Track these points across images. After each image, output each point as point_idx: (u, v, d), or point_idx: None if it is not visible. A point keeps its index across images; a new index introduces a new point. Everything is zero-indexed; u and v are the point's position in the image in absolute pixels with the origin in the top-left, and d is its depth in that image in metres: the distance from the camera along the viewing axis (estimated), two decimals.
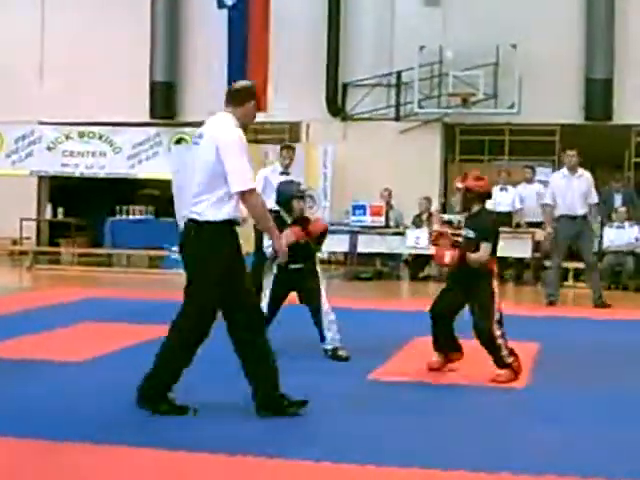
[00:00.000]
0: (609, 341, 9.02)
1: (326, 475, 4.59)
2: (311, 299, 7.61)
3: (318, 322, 7.58)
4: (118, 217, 18.55)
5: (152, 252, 17.59)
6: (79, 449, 4.90)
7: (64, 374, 6.95)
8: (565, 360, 7.84)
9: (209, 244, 5.47)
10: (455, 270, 7.11)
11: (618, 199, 15.47)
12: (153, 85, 18.89)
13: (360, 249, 14.74)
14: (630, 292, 14.19)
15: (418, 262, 15.81)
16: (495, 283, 6.92)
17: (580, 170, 11.86)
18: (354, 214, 15.34)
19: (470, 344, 8.62)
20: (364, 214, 15.15)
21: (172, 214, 17.95)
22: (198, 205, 5.46)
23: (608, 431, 5.47)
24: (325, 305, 7.57)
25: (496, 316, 6.82)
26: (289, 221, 7.63)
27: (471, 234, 6.96)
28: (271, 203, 10.01)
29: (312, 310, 7.62)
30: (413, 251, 15.43)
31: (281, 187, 7.96)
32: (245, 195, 5.40)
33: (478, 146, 18.44)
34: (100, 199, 19.41)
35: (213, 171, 5.41)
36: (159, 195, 19.70)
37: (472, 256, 6.84)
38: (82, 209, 19.69)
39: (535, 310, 11.78)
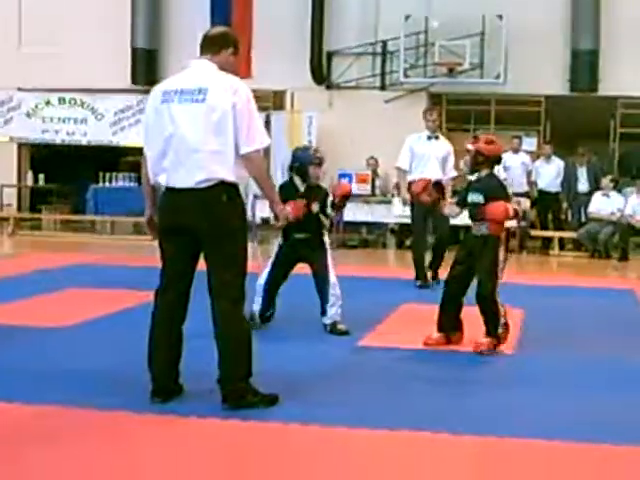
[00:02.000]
0: (590, 307, 9.10)
1: (314, 437, 4.58)
2: (318, 272, 7.39)
3: (323, 295, 7.35)
4: (101, 184, 18.41)
5: (136, 219, 17.49)
6: (61, 412, 4.88)
7: (50, 339, 6.91)
8: (549, 326, 7.88)
9: (242, 209, 5.11)
10: (464, 241, 7.04)
11: (582, 173, 15.48)
12: (135, 52, 18.68)
13: (346, 217, 14.69)
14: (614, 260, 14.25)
15: (404, 231, 15.80)
16: (502, 251, 6.78)
17: None
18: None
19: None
20: (350, 182, 15.09)
21: None
22: (218, 165, 4.87)
23: (594, 395, 5.50)
24: (332, 279, 7.34)
25: (498, 282, 6.75)
26: (302, 189, 7.41)
27: (480, 198, 6.81)
28: (427, 173, 9.93)
29: (318, 282, 7.39)
30: (399, 220, 15.41)
31: (296, 153, 7.62)
32: (253, 154, 4.94)
33: (464, 116, 18.39)
34: (82, 166, 19.28)
35: (232, 128, 4.85)
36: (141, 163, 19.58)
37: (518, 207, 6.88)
38: (64, 176, 19.54)
39: (520, 278, 11.80)
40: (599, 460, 4.33)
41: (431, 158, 10.48)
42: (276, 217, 5.62)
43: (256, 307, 7.39)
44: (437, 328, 6.98)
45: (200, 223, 4.94)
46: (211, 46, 5.12)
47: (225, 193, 4.92)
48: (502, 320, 6.73)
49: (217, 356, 5.03)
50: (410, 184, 10.15)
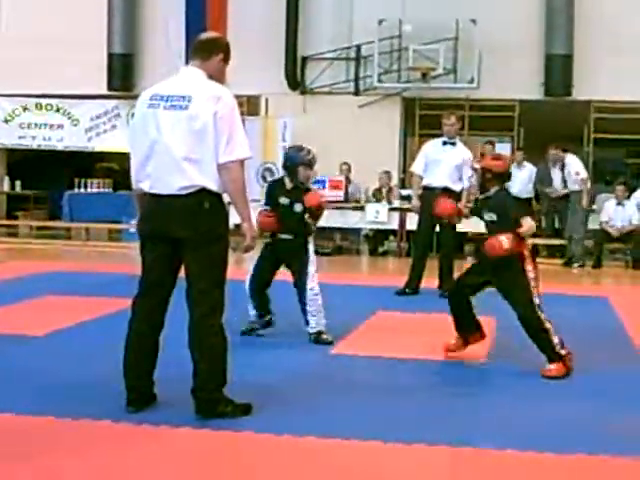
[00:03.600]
0: (565, 315, 9.04)
1: (286, 447, 4.59)
2: (297, 280, 7.27)
3: (302, 305, 7.23)
4: (76, 190, 18.36)
5: (111, 225, 17.48)
6: (32, 422, 4.87)
7: (23, 348, 6.89)
8: (522, 335, 7.82)
9: (224, 218, 5.05)
10: (483, 259, 6.78)
11: (557, 175, 15.50)
12: (111, 57, 18.64)
13: (320, 223, 14.65)
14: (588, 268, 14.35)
15: (378, 237, 15.87)
16: (530, 266, 6.52)
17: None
18: None
19: (434, 316, 8.71)
20: (323, 188, 15.14)
21: (130, 187, 17.85)
22: (200, 173, 4.85)
23: (567, 405, 5.53)
24: (311, 289, 7.17)
25: (536, 301, 6.45)
26: (288, 187, 7.41)
27: (494, 217, 6.66)
28: (435, 180, 9.98)
29: (297, 291, 7.29)
30: (373, 226, 15.48)
31: (288, 152, 7.63)
32: (230, 165, 4.86)
33: (438, 121, 18.37)
34: (58, 172, 19.25)
35: (212, 137, 4.83)
36: (117, 168, 19.55)
37: (521, 230, 6.51)
38: (40, 182, 19.47)
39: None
40: (572, 471, 4.35)
41: (441, 165, 10.18)
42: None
43: (252, 313, 7.43)
44: (455, 330, 6.84)
45: (180, 230, 4.91)
46: (201, 52, 5.10)
47: (207, 201, 4.88)
48: (556, 340, 6.42)
49: (192, 366, 5.03)
50: (425, 189, 10.13)
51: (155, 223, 5.02)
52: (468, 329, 6.84)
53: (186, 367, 5.05)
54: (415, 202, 10.43)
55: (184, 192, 4.87)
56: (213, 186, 4.89)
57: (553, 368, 6.35)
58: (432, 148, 10.43)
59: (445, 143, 10.37)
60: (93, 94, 18.42)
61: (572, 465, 4.41)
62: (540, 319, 6.42)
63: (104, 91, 18.54)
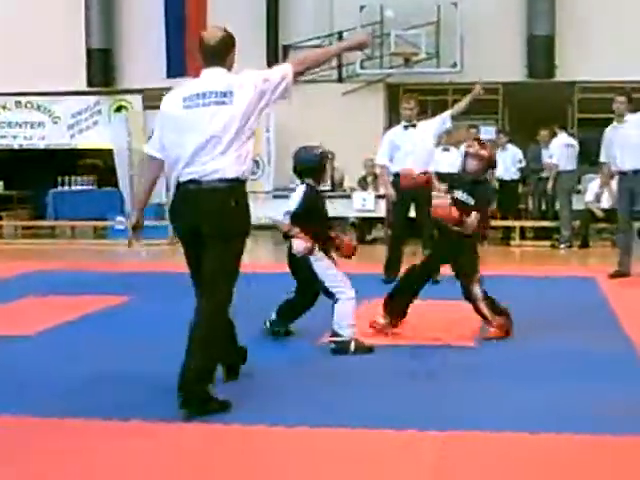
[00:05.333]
0: (553, 296, 9.15)
1: (278, 439, 4.55)
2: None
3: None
4: (60, 188, 18.24)
5: (96, 223, 17.38)
6: (29, 423, 4.81)
7: (9, 348, 6.83)
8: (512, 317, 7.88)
9: (247, 207, 5.18)
10: (440, 235, 7.29)
11: (547, 153, 15.50)
12: (90, 52, 18.51)
13: None
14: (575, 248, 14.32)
15: (365, 225, 15.80)
16: (478, 246, 7.13)
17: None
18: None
19: (420, 303, 8.66)
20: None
21: (114, 184, 17.76)
22: (231, 164, 5.03)
23: (559, 386, 5.50)
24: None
25: (476, 277, 7.02)
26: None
27: (470, 200, 7.00)
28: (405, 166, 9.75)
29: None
30: (360, 214, 15.41)
31: (306, 154, 6.98)
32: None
33: (421, 106, 18.31)
34: (41, 170, 19.11)
35: (250, 125, 5.08)
36: (101, 165, 19.45)
37: (468, 221, 6.91)
38: (23, 181, 19.38)
39: (482, 269, 11.81)
40: (563, 450, 4.33)
41: (408, 148, 10.09)
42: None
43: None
44: (384, 310, 7.15)
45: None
46: (218, 56, 5.19)
47: (236, 192, 5.05)
48: (487, 312, 6.98)
49: (183, 360, 4.96)
50: (396, 176, 9.99)
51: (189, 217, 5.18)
52: (399, 313, 7.17)
53: (166, 367, 5.00)
54: (390, 190, 10.23)
55: (218, 185, 5.03)
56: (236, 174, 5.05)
57: (491, 331, 6.99)
58: (395, 135, 10.30)
59: (406, 127, 10.27)
60: (73, 90, 18.29)
61: (563, 445, 4.39)
62: (473, 292, 7.03)
63: (84, 87, 18.43)
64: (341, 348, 6.54)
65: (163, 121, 5.26)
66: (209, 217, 5.03)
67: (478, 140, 7.27)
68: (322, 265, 6.72)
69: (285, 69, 5.22)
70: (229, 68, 5.24)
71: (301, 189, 6.79)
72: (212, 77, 5.16)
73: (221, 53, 5.19)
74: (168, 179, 5.53)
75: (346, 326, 6.59)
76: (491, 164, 7.16)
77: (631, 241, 10.74)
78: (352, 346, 6.54)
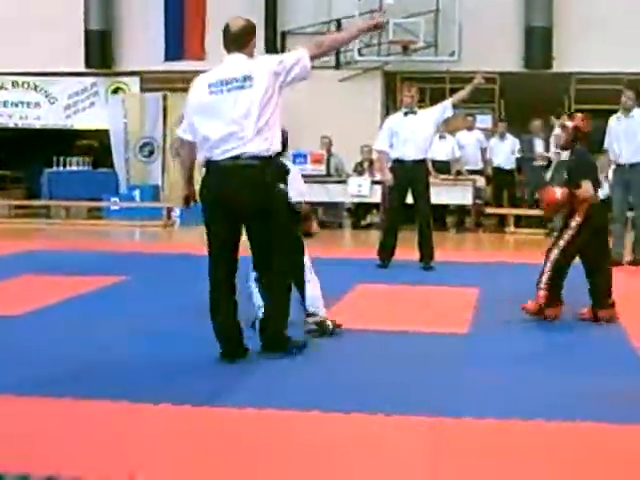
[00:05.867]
0: None
1: (268, 423, 4.54)
2: None
3: None
4: (55, 169, 18.21)
5: (91, 203, 17.37)
6: (15, 402, 4.81)
7: (2, 328, 6.82)
8: (504, 305, 7.88)
9: (274, 179, 5.68)
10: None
11: (539, 145, 15.51)
12: (88, 34, 18.45)
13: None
14: None
15: (360, 210, 15.83)
16: (577, 219, 7.01)
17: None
18: (295, 162, 15.18)
19: (414, 289, 8.70)
20: (305, 162, 15.06)
21: (110, 165, 17.76)
22: (258, 143, 5.47)
23: (551, 375, 5.50)
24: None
25: (560, 243, 7.10)
26: None
27: (565, 175, 7.21)
28: (405, 153, 9.98)
29: None
30: (355, 199, 15.43)
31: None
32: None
33: (419, 94, 18.35)
34: (36, 150, 19.06)
35: (273, 106, 5.51)
36: (96, 146, 19.43)
37: (578, 192, 6.97)
38: (18, 161, 19.33)
39: (476, 257, 11.87)
40: (553, 437, 4.33)
41: (408, 136, 10.13)
42: None
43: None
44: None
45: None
46: (239, 43, 5.65)
47: (268, 169, 5.53)
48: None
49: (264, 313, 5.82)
50: (395, 162, 10.10)
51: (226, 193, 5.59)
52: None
53: (160, 348, 4.98)
54: (387, 175, 10.30)
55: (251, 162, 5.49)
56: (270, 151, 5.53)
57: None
58: (394, 122, 10.33)
59: (406, 114, 10.30)
60: (71, 71, 18.25)
61: (555, 432, 4.40)
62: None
63: (82, 68, 18.38)
64: (319, 327, 6.59)
65: (191, 107, 5.68)
66: (245, 193, 5.46)
67: (572, 114, 7.38)
68: None
69: (300, 52, 5.65)
70: (249, 54, 5.66)
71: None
72: (234, 63, 5.60)
73: (242, 40, 5.64)
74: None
75: (321, 306, 6.66)
76: (579, 133, 7.12)
77: (624, 231, 10.80)
78: (329, 325, 6.60)
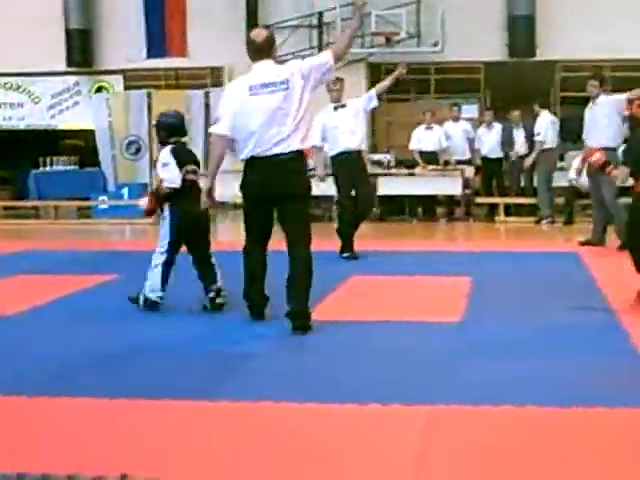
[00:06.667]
0: (538, 272, 9.15)
1: (265, 414, 4.53)
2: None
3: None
4: (42, 169, 18.12)
5: (80, 203, 17.29)
6: (6, 401, 4.78)
7: None
8: (497, 293, 7.92)
9: (307, 170, 6.64)
10: None
11: (519, 135, 15.51)
12: (69, 33, 18.36)
13: None
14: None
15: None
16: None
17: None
18: None
19: (408, 279, 8.70)
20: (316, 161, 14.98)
21: (97, 164, 17.68)
22: (296, 139, 6.23)
23: (545, 361, 5.50)
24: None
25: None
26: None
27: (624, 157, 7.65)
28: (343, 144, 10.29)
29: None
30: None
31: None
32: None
33: (403, 85, 18.34)
34: (22, 151, 18.97)
35: (306, 104, 6.25)
36: (82, 145, 19.34)
37: (612, 170, 7.31)
38: (3, 162, 19.22)
39: (467, 246, 11.88)
40: (551, 423, 4.33)
41: (345, 128, 10.37)
42: None
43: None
44: None
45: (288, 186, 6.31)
46: (267, 52, 6.37)
47: (304, 161, 6.46)
48: None
49: (291, 290, 6.34)
50: (338, 155, 10.33)
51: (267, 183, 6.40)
52: None
53: (150, 345, 4.93)
54: (321, 171, 10.78)
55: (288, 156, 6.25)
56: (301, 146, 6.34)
57: None
58: (326, 117, 10.46)
59: (336, 108, 10.54)
60: (52, 71, 18.17)
61: (548, 418, 4.40)
62: None
63: (63, 67, 18.30)
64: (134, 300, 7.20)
65: (232, 106, 6.34)
66: (289, 181, 6.29)
67: (631, 102, 7.51)
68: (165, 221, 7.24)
69: (325, 55, 6.43)
70: (274, 59, 6.41)
71: (167, 150, 7.18)
72: (267, 69, 6.32)
73: (268, 49, 6.38)
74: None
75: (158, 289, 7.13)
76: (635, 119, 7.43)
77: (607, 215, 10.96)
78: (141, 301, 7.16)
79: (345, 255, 10.22)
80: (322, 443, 4.11)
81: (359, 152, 10.51)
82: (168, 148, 7.19)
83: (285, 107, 6.19)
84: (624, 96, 10.54)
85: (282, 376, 5.26)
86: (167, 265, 7.15)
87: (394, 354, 5.78)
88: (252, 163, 6.33)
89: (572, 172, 14.23)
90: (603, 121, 10.71)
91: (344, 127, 10.35)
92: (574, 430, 4.23)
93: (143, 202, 7.43)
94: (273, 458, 3.92)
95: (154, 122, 7.58)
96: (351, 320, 6.86)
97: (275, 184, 6.28)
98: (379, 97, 10.68)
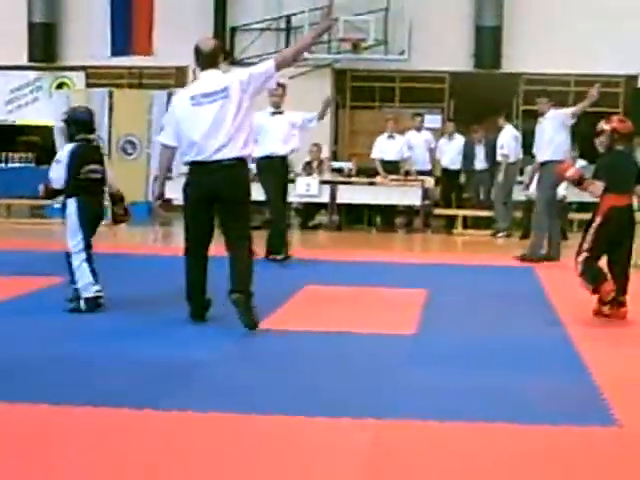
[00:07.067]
0: (493, 286, 9.14)
1: (213, 424, 4.44)
2: None
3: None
4: None
5: (33, 201, 16.98)
6: None
7: None
8: (451, 306, 7.89)
9: (248, 176, 6.83)
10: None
11: (480, 151, 15.50)
12: (31, 26, 18.09)
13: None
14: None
15: (309, 210, 15.69)
16: (597, 221, 7.20)
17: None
18: None
19: (361, 289, 8.63)
20: (251, 162, 14.85)
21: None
22: (235, 146, 6.49)
23: (497, 374, 5.46)
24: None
25: (584, 246, 7.19)
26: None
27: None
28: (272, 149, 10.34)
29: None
30: (304, 199, 15.29)
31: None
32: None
33: (369, 93, 18.35)
34: None
35: (245, 112, 6.52)
36: (40, 142, 19.05)
37: (588, 185, 7.31)
38: None
39: (425, 257, 11.83)
40: (501, 439, 4.29)
41: (276, 134, 10.43)
42: None
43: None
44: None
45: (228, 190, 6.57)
46: (212, 61, 6.64)
47: (244, 168, 6.66)
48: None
49: (233, 277, 6.52)
50: (263, 159, 10.29)
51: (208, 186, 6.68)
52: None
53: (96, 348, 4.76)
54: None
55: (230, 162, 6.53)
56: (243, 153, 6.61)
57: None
58: (262, 121, 10.28)
59: (274, 114, 10.62)
60: (13, 65, 17.91)
61: (498, 433, 4.36)
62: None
63: (24, 62, 18.04)
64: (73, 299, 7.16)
65: (176, 117, 6.67)
66: (228, 186, 6.55)
67: (609, 118, 7.52)
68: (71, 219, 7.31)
69: (267, 63, 6.65)
70: (219, 67, 6.71)
71: (68, 148, 7.23)
72: (211, 78, 6.58)
73: (215, 58, 6.68)
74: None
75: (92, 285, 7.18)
76: (616, 135, 7.29)
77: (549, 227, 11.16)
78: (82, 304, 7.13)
79: (280, 257, 10.24)
80: (268, 455, 4.03)
81: (284, 158, 10.58)
82: (69, 147, 7.24)
83: (223, 115, 6.45)
84: (570, 110, 11.07)
85: (228, 386, 5.18)
86: (89, 261, 7.22)
87: (344, 365, 5.74)
88: (194, 168, 6.65)
89: (531, 186, 14.22)
90: (549, 135, 10.98)
91: (276, 133, 10.41)
92: (522, 447, 4.18)
93: (41, 188, 7.53)
94: (216, 468, 3.85)
95: (63, 117, 7.53)
96: (303, 330, 6.79)
97: (215, 189, 6.54)
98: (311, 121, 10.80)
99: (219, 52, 6.79)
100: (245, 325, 6.47)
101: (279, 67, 6.59)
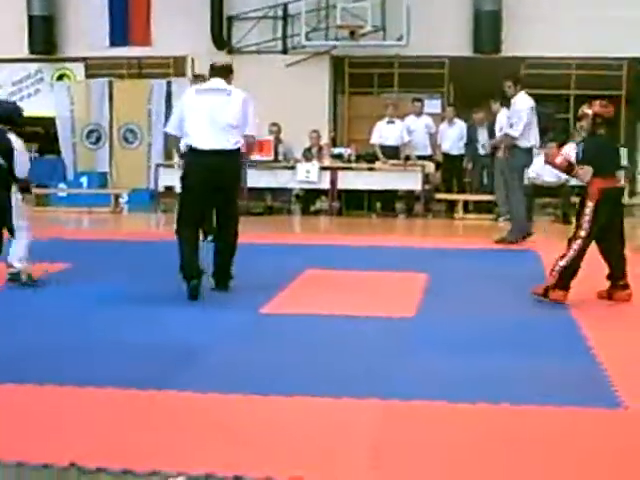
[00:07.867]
0: (495, 269, 9.16)
1: (215, 405, 4.49)
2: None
3: None
4: None
5: (38, 190, 17.06)
6: None
7: None
8: (451, 290, 7.91)
9: (241, 165, 7.82)
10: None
11: (484, 135, 15.46)
12: (31, 19, 18.11)
13: (250, 184, 14.53)
14: None
15: (309, 196, 15.75)
16: (590, 205, 7.15)
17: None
18: None
19: (362, 274, 8.68)
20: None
21: (56, 152, 17.49)
22: (232, 138, 7.28)
23: (499, 357, 5.50)
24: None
25: (581, 233, 7.16)
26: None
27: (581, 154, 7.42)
28: None
29: None
30: (304, 185, 15.35)
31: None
32: (251, 138, 7.61)
33: (367, 79, 18.35)
34: None
35: (241, 116, 7.32)
36: (43, 133, 19.10)
37: (578, 170, 7.31)
38: None
39: (425, 242, 11.87)
40: (500, 420, 4.34)
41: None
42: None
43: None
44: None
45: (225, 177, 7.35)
46: (222, 73, 7.53)
47: (240, 157, 7.51)
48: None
49: (216, 260, 7.45)
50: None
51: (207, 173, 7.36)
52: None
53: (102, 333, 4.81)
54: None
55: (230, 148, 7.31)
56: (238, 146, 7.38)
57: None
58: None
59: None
60: (14, 58, 17.94)
61: (500, 415, 4.40)
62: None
63: (25, 54, 18.07)
64: (13, 278, 7.73)
65: (181, 107, 7.49)
66: (226, 173, 7.31)
67: (590, 102, 7.49)
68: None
69: (253, 132, 7.58)
70: (228, 82, 7.50)
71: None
72: (218, 82, 7.45)
73: (223, 71, 7.55)
74: None
75: (20, 259, 7.77)
76: (599, 119, 7.30)
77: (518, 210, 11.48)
78: (24, 277, 7.72)
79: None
80: (272, 435, 4.07)
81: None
82: None
83: (223, 105, 7.28)
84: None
85: (232, 368, 5.23)
86: None
87: (347, 348, 5.78)
88: (193, 154, 7.35)
89: (532, 170, 14.23)
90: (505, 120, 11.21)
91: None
92: (524, 428, 4.22)
93: None
94: (224, 449, 3.88)
95: None
96: (305, 313, 6.83)
97: (211, 175, 7.20)
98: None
99: (228, 69, 7.61)
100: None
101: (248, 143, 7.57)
